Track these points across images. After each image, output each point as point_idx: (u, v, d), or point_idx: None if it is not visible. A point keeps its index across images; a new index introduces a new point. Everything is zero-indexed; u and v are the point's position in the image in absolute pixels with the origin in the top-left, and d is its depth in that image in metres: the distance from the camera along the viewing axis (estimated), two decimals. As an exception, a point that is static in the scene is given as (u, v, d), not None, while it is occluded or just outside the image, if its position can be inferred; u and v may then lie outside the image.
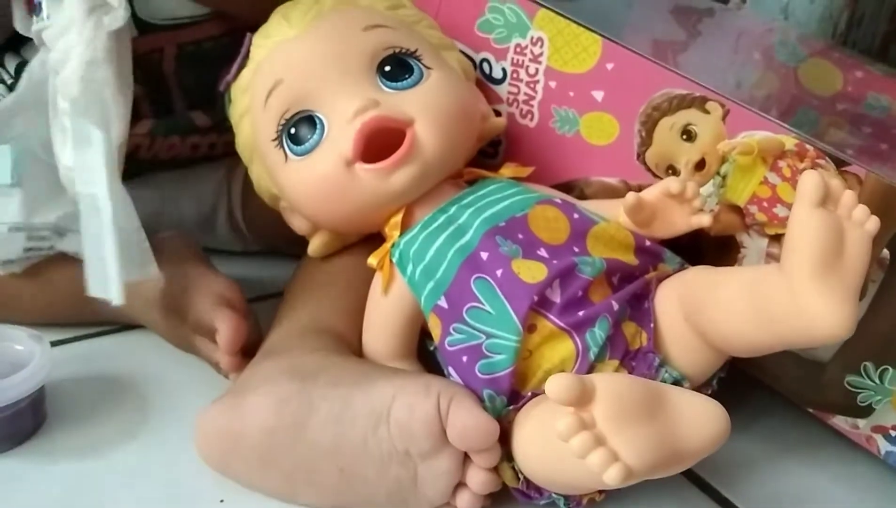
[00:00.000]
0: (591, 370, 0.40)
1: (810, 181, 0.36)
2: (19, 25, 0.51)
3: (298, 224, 0.49)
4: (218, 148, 0.59)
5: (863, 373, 0.43)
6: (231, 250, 0.63)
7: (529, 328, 0.40)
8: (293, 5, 0.47)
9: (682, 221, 0.44)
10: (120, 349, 0.51)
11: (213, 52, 0.56)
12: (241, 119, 0.48)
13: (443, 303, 0.42)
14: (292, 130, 0.44)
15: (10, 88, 0.55)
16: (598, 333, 0.40)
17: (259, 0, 0.48)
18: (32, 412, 0.45)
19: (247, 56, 0.47)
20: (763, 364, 0.45)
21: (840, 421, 0.45)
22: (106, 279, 0.43)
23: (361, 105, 0.43)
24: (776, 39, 0.70)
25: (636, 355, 0.41)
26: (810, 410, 0.46)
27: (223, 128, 0.57)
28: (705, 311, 0.40)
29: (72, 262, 0.51)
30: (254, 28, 0.48)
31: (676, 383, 0.41)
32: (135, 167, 0.57)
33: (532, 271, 0.41)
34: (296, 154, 0.44)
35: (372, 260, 0.44)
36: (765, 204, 0.45)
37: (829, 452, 0.48)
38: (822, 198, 0.36)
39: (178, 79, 0.58)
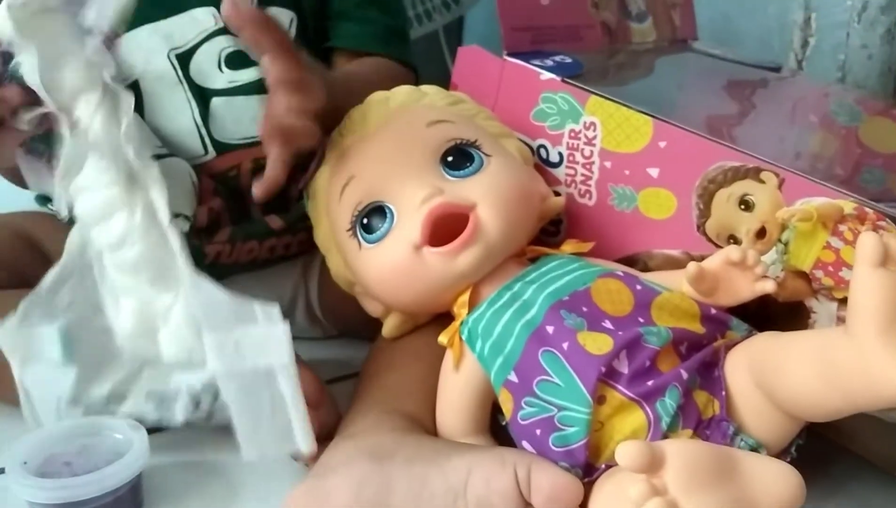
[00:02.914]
0: (664, 440, 0.40)
1: (868, 242, 0.36)
2: (35, 185, 0.49)
3: (373, 308, 0.52)
4: (293, 248, 0.63)
5: (950, 435, 0.42)
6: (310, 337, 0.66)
7: (599, 400, 0.41)
8: (363, 107, 0.51)
9: (746, 288, 0.45)
10: (210, 435, 0.53)
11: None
12: (319, 213, 0.52)
13: (513, 377, 0.43)
14: (365, 221, 0.48)
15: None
16: (669, 402, 0.40)
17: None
18: (132, 498, 0.47)
19: (322, 156, 0.51)
20: (843, 429, 0.44)
21: (932, 487, 0.44)
22: (292, 435, 0.44)
23: (427, 193, 0.46)
24: (833, 102, 0.70)
25: (710, 424, 0.41)
26: (898, 476, 0.45)
27: (297, 229, 0.61)
28: (775, 377, 0.40)
29: None
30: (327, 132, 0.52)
31: (753, 450, 0.40)
32: (217, 272, 0.61)
33: (598, 343, 0.42)
34: (369, 242, 0.48)
35: (442, 338, 0.46)
36: (830, 268, 0.45)
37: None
38: (882, 258, 0.36)
39: None
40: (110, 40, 0.45)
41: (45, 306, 0.48)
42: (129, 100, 0.45)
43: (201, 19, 0.57)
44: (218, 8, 0.53)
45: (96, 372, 0.49)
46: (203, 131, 0.59)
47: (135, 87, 0.56)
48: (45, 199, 0.61)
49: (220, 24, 0.57)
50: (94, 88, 0.44)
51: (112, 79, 0.45)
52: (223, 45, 0.57)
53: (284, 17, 0.60)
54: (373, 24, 0.63)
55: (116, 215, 0.45)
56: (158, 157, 0.58)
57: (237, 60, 0.57)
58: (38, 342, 0.48)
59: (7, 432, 0.51)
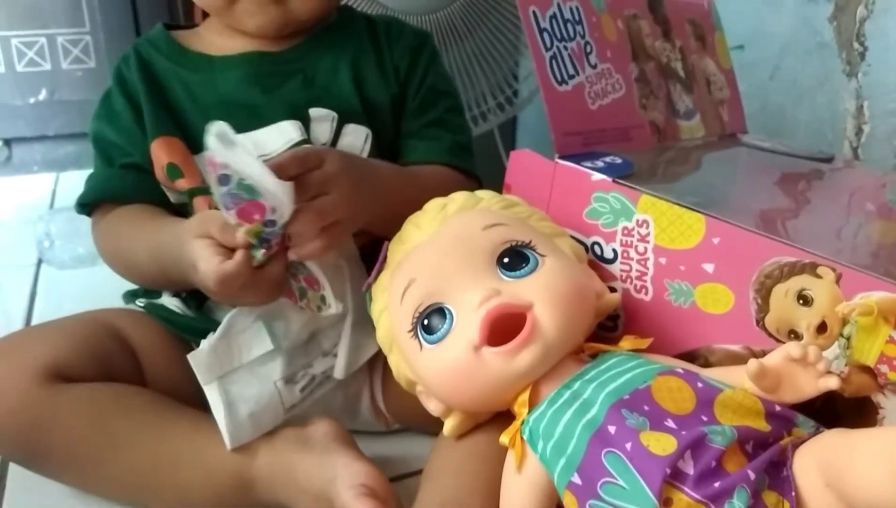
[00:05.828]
0: (734, 545, 0.39)
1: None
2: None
3: (434, 407, 0.53)
4: None
5: None
6: (374, 431, 0.67)
7: (665, 502, 0.40)
8: (422, 214, 0.54)
9: (809, 384, 0.44)
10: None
11: None
12: (381, 314, 0.53)
13: (576, 479, 0.43)
14: (425, 322, 0.49)
15: None
16: (738, 504, 0.40)
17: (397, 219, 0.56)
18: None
19: (384, 260, 0.54)
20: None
21: None
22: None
23: (485, 295, 0.47)
24: (890, 191, 0.70)
25: (781, 526, 0.40)
26: None
27: None
28: (846, 476, 0.39)
29: (234, 461, 0.56)
30: (388, 238, 0.55)
31: (828, 555, 0.39)
32: None
33: (662, 444, 0.42)
34: (429, 343, 0.49)
35: (504, 438, 0.47)
36: (895, 363, 0.44)
37: None
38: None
39: None
40: None
41: (247, 311, 0.56)
42: None
43: (287, 130, 0.61)
44: (303, 121, 0.61)
45: (303, 352, 0.59)
46: None
47: None
48: (132, 295, 0.66)
49: (304, 136, 0.61)
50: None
51: None
52: None
53: (361, 133, 0.64)
54: (439, 140, 0.68)
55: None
56: None
57: None
58: (246, 345, 0.56)
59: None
